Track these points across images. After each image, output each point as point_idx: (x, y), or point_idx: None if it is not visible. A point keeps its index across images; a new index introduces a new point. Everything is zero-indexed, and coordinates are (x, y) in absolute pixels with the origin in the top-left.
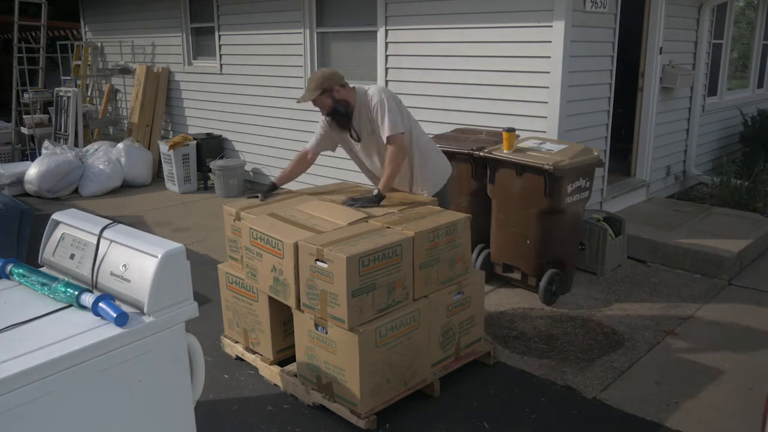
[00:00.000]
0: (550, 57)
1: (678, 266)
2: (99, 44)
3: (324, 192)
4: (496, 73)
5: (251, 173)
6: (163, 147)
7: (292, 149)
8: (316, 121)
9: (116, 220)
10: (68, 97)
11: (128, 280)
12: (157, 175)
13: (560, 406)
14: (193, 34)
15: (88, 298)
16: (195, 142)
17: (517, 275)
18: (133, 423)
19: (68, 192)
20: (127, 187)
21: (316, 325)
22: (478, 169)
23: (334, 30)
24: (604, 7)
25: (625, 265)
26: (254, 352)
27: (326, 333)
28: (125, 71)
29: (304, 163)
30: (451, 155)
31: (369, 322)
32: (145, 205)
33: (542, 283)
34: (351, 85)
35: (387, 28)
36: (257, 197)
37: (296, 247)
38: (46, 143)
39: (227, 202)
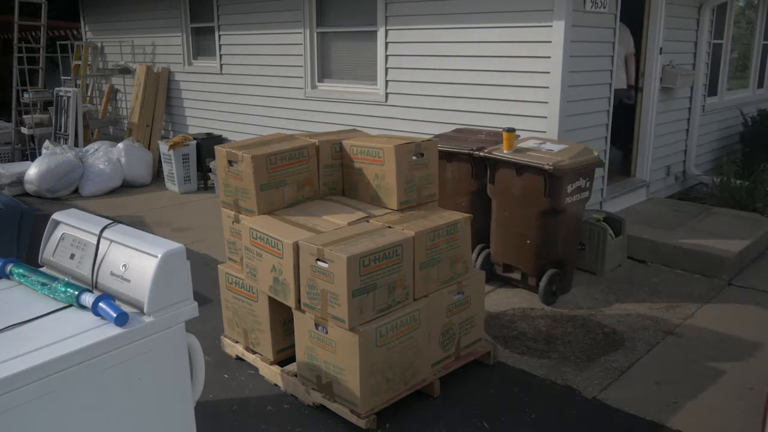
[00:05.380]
0: (550, 57)
1: (678, 266)
2: (99, 44)
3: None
4: (496, 73)
5: None
6: (163, 147)
7: None
8: (316, 121)
9: (116, 220)
10: (68, 97)
11: (128, 280)
12: (157, 175)
13: (560, 406)
14: (193, 34)
15: (88, 298)
16: (195, 142)
17: (517, 275)
18: (133, 423)
19: (68, 192)
20: (127, 187)
21: (317, 325)
22: (478, 169)
23: (334, 30)
24: (604, 7)
25: (625, 265)
26: (254, 352)
27: (326, 333)
28: (125, 71)
29: None
30: (451, 155)
31: (369, 322)
32: (145, 205)
33: (542, 283)
34: None
35: (387, 28)
36: None
37: (296, 246)
38: (46, 143)
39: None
